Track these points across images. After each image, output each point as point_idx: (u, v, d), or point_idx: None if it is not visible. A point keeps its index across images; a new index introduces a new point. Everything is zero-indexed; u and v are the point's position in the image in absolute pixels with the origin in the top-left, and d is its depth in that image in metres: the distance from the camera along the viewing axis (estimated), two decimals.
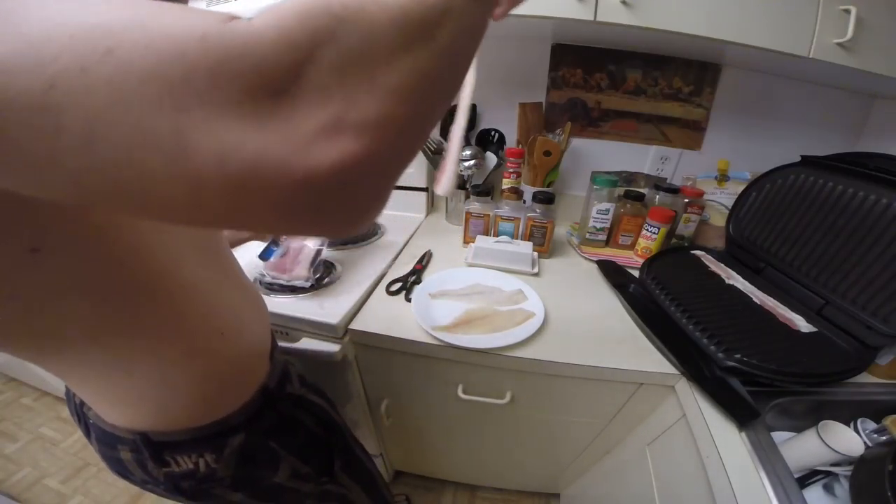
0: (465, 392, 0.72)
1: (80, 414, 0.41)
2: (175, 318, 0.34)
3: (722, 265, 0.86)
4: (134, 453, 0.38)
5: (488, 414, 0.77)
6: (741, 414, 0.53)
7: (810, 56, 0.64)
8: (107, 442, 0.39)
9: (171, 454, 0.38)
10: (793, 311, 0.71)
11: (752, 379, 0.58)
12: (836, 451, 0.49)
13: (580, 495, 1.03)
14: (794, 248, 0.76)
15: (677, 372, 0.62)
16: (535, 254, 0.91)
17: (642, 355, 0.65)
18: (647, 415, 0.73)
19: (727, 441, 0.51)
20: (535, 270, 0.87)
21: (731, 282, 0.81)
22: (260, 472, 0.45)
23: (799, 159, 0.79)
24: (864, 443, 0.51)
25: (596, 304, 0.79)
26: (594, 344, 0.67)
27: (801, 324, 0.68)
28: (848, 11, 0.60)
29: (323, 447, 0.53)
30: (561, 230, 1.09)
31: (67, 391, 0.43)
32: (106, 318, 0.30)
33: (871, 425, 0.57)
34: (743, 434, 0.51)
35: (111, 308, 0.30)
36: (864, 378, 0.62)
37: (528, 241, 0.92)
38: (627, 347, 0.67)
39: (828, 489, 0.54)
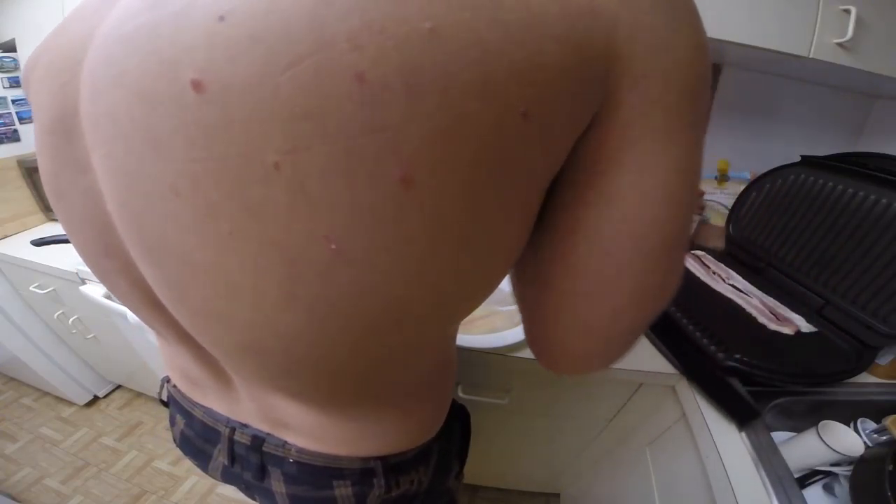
0: (464, 392, 0.72)
1: (259, 454, 0.35)
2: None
3: (722, 265, 0.86)
4: (357, 486, 0.33)
5: (488, 414, 0.77)
6: (741, 414, 0.53)
7: (810, 56, 0.64)
8: (312, 482, 0.34)
9: (397, 476, 0.35)
10: (793, 311, 0.71)
11: (752, 379, 0.58)
12: (836, 451, 0.49)
13: (580, 495, 1.04)
14: (794, 248, 0.76)
15: (677, 372, 0.62)
16: None
17: (642, 355, 0.65)
18: (647, 415, 0.73)
19: (727, 441, 0.51)
20: None
21: (731, 282, 0.81)
22: (442, 478, 0.40)
23: (799, 159, 0.79)
24: (864, 443, 0.51)
25: None
26: None
27: (801, 324, 0.68)
28: (848, 11, 0.60)
29: (467, 440, 0.49)
30: None
31: (203, 434, 0.38)
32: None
33: (871, 425, 0.57)
34: (743, 434, 0.51)
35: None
36: (864, 378, 0.62)
37: None
38: None
39: (828, 489, 0.54)
